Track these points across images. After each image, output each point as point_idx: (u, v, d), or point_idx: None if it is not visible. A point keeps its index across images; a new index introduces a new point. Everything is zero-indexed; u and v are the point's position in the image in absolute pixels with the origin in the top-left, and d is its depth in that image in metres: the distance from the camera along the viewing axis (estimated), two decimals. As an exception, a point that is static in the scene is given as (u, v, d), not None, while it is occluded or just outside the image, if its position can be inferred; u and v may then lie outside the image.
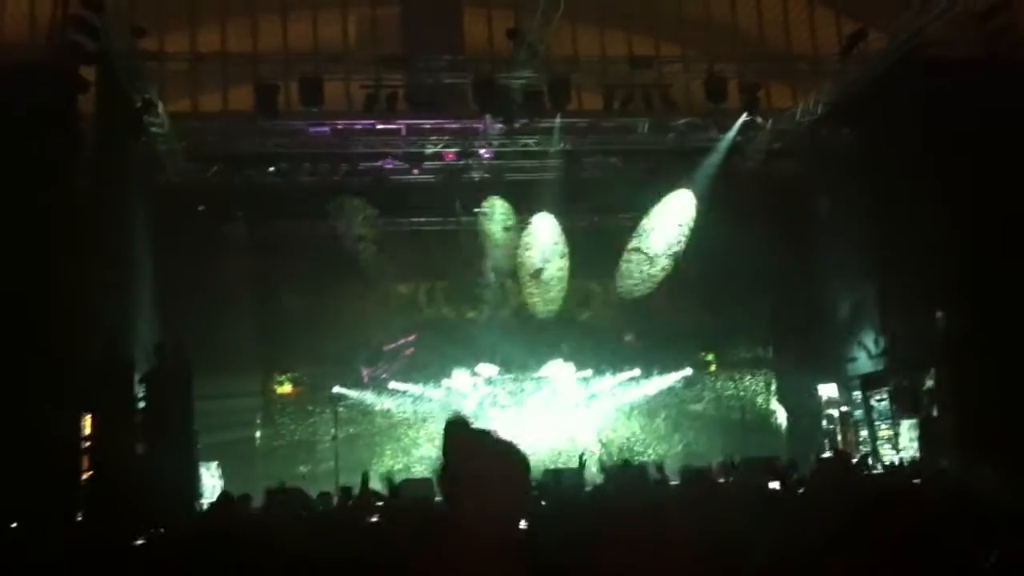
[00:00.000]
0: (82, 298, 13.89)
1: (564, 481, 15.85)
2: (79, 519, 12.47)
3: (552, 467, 18.21)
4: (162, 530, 7.86)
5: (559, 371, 20.69)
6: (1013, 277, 14.63)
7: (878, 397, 17.92)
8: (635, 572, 4.29)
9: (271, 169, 18.88)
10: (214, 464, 17.09)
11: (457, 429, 2.85)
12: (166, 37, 16.96)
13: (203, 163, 18.94)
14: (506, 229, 20.96)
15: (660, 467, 15.02)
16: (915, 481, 10.85)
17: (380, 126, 18.15)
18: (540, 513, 8.84)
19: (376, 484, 12.94)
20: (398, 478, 15.81)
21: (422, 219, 20.64)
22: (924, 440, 16.11)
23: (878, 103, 16.99)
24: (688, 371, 20.91)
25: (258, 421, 20.07)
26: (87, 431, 13.79)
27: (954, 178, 15.17)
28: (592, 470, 16.70)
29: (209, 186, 19.21)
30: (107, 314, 14.57)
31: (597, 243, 20.92)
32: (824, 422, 19.37)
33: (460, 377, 20.45)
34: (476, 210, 20.66)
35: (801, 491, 9.18)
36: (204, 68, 17.07)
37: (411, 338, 20.78)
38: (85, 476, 13.54)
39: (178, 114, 17.64)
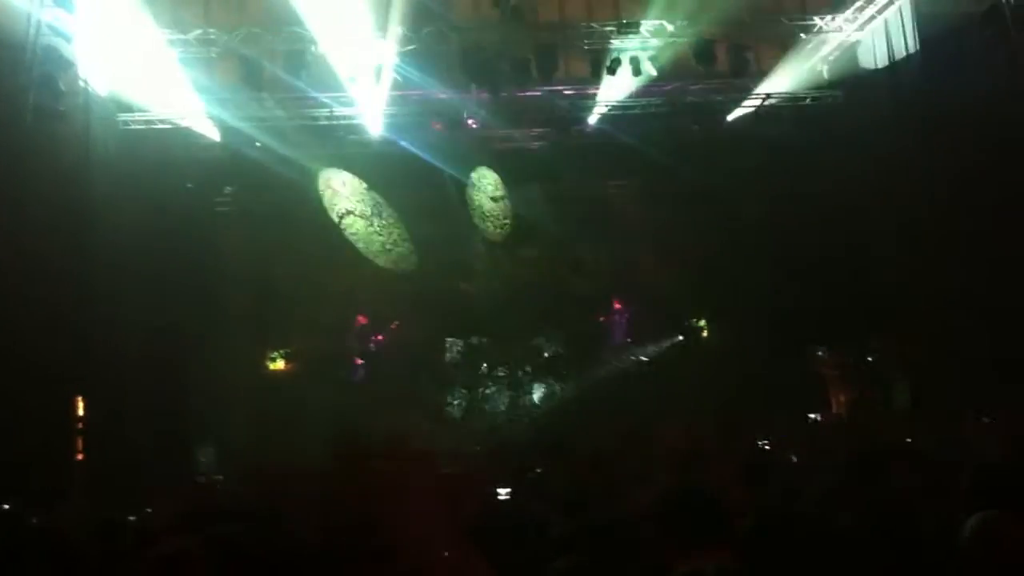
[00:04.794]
0: (72, 279, 13.84)
1: (558, 449, 15.95)
2: (73, 501, 12.47)
3: (548, 436, 18.33)
4: (152, 512, 7.86)
5: (551, 340, 20.71)
6: (1008, 232, 14.57)
7: (871, 357, 17.96)
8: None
9: (258, 144, 18.75)
10: (208, 442, 17.09)
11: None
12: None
13: (190, 139, 18.79)
14: (494, 200, 20.88)
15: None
16: (907, 440, 10.91)
17: (367, 97, 18.01)
18: (532, 478, 8.87)
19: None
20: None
21: (411, 191, 20.56)
22: (918, 400, 16.15)
23: (869, 62, 16.93)
24: (680, 338, 20.91)
25: (252, 397, 20.04)
26: (80, 412, 13.79)
27: (948, 135, 15.09)
28: None
29: (197, 162, 19.08)
30: (97, 294, 14.52)
31: (587, 210, 20.85)
32: (817, 383, 19.43)
33: (453, 348, 20.46)
34: (465, 181, 20.55)
35: (794, 456, 9.23)
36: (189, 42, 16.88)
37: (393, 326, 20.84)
38: (79, 457, 13.55)
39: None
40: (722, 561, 3.54)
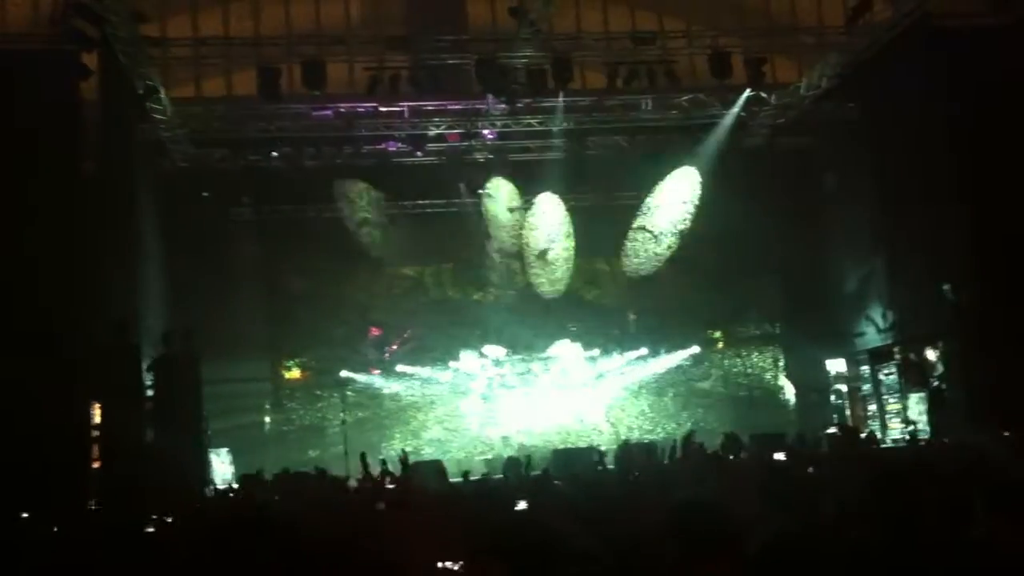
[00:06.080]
0: (89, 286, 13.91)
1: (574, 460, 15.94)
2: (90, 508, 12.52)
3: (562, 447, 18.35)
4: (169, 519, 7.88)
5: (567, 351, 20.65)
6: (1020, 248, 14.56)
7: (886, 371, 17.90)
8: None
9: (275, 153, 18.84)
10: (224, 450, 17.16)
11: None
12: (168, 22, 16.91)
13: (207, 148, 18.90)
14: (511, 210, 20.87)
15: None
16: (924, 454, 10.85)
17: (383, 108, 18.07)
18: (550, 490, 8.85)
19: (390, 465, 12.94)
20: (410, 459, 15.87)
21: (427, 201, 20.59)
22: (932, 413, 16.10)
23: (883, 75, 16.88)
24: (696, 349, 20.85)
25: (267, 406, 20.10)
26: (96, 420, 13.84)
27: (960, 150, 15.11)
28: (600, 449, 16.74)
29: (214, 171, 19.18)
30: (114, 302, 14.60)
31: (602, 222, 20.84)
32: (832, 397, 19.40)
33: (468, 359, 20.44)
34: (480, 191, 20.58)
35: (811, 469, 9.18)
36: (206, 53, 16.98)
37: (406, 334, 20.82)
38: (95, 465, 13.60)
39: (181, 99, 17.62)
40: (728, 574, 3.53)
